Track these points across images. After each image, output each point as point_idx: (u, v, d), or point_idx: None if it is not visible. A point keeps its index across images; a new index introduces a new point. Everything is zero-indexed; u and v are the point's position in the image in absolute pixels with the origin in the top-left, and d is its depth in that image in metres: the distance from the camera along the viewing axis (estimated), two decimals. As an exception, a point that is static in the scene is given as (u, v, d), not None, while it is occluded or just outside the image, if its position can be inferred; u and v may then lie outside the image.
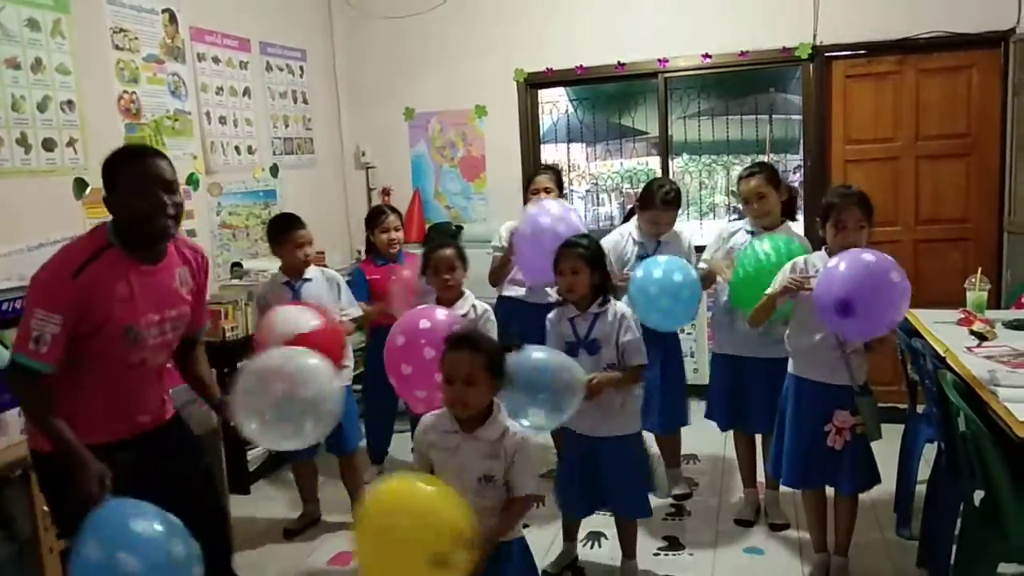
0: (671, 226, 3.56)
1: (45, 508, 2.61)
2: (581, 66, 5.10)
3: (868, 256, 2.54)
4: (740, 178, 3.41)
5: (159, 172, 2.05)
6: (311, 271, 3.52)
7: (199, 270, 2.29)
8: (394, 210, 4.10)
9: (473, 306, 3.16)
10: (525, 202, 3.99)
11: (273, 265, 3.73)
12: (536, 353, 2.56)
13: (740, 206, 3.52)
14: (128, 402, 2.17)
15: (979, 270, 3.58)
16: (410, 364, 2.69)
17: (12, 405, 2.68)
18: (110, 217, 2.10)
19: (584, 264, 2.82)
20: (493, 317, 3.20)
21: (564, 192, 4.06)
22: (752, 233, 3.34)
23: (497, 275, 3.84)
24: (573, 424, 2.88)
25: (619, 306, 2.90)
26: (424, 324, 2.72)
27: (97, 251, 2.03)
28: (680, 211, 3.61)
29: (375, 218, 4.02)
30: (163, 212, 2.04)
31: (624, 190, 9.39)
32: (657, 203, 3.47)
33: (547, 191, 3.80)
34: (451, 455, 2.17)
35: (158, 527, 1.81)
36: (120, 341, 2.05)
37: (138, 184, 2.02)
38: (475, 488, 2.11)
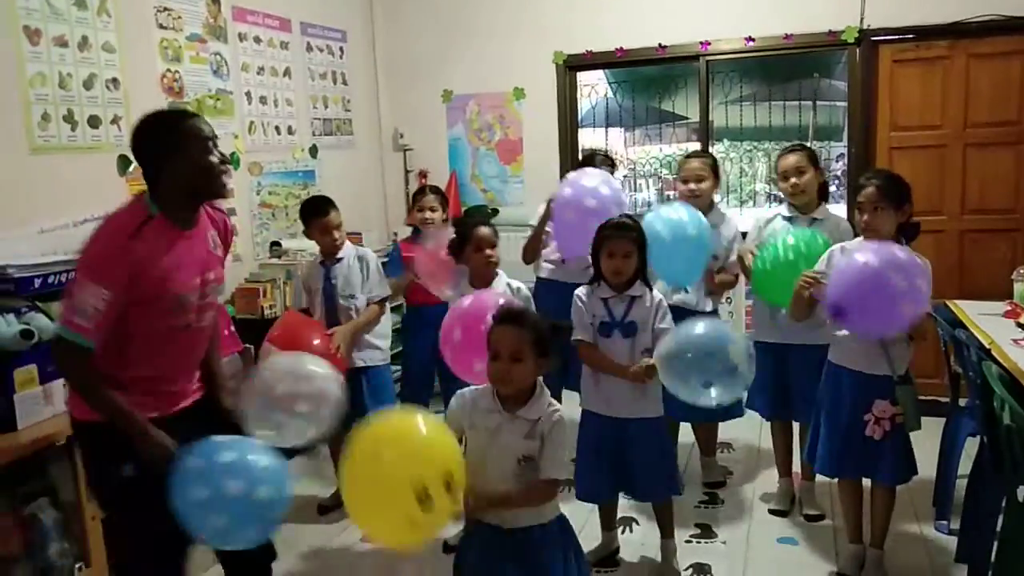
0: (700, 183, 3.45)
1: (88, 477, 2.68)
2: (621, 48, 5.05)
3: (867, 257, 2.47)
4: (780, 155, 3.38)
5: (211, 130, 2.10)
6: (344, 251, 3.50)
7: (226, 231, 2.30)
8: (436, 190, 4.10)
9: (508, 284, 3.13)
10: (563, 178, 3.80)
11: (311, 244, 3.76)
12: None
13: (778, 186, 3.42)
14: (173, 370, 2.17)
15: (1028, 261, 3.50)
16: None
17: (59, 375, 2.73)
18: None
19: (635, 248, 2.80)
20: (528, 294, 3.16)
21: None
22: (790, 219, 3.29)
23: (529, 250, 3.78)
24: (596, 406, 2.88)
25: (656, 293, 2.88)
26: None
27: (141, 223, 2.00)
28: (720, 199, 3.54)
29: (415, 196, 4.10)
30: (222, 169, 2.09)
31: (662, 176, 9.30)
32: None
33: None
34: (492, 435, 2.12)
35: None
36: (169, 311, 2.06)
37: (201, 142, 2.05)
38: (516, 469, 2.09)
